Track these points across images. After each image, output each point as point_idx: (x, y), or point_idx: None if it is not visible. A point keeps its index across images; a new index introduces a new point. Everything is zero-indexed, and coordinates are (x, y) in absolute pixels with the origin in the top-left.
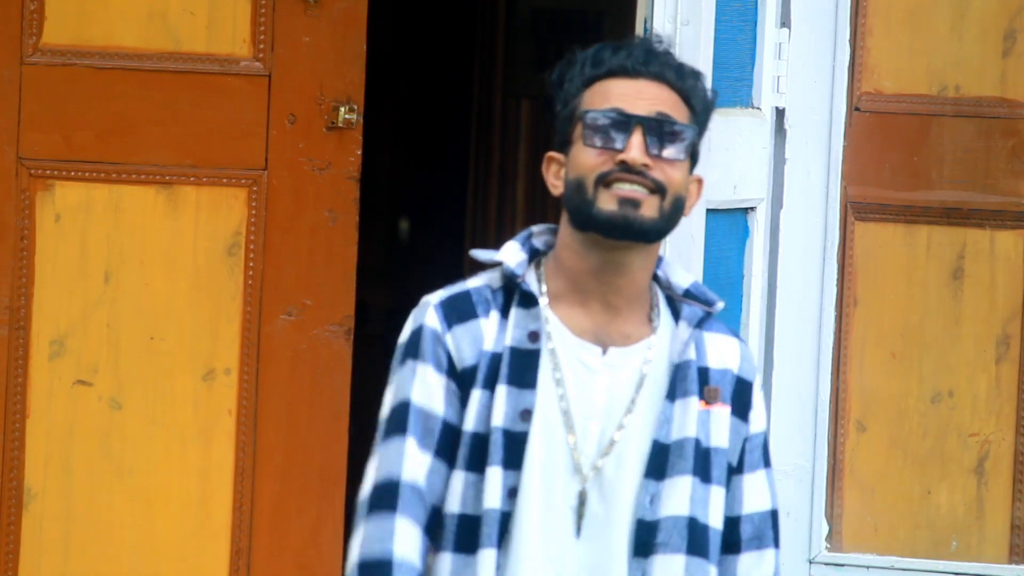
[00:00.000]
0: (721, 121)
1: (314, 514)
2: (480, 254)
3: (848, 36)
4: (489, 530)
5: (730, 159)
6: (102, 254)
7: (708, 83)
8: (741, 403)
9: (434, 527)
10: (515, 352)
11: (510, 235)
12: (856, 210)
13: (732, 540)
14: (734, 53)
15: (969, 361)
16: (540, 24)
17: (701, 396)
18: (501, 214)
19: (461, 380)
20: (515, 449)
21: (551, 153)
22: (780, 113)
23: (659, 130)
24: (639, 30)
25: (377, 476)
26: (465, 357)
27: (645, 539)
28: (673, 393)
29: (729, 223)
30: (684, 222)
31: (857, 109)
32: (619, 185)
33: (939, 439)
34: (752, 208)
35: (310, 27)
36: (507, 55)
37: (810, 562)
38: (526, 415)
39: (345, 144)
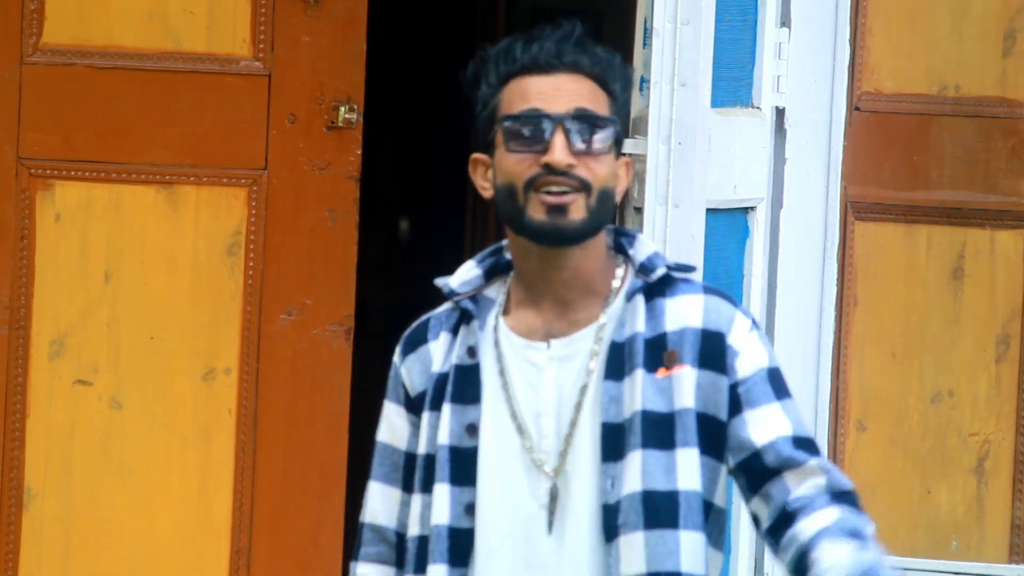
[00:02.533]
0: (721, 121)
1: (314, 514)
2: (439, 281)
3: (848, 36)
4: (437, 546)
5: (730, 159)
6: (102, 254)
7: (621, 58)
8: (712, 355)
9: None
10: (458, 369)
11: None
12: (856, 210)
13: (761, 471)
14: (734, 53)
15: (969, 361)
16: (540, 23)
17: (660, 364)
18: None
19: (414, 409)
20: (464, 465)
21: (476, 155)
22: (780, 113)
23: (579, 127)
24: (639, 30)
25: (363, 514)
26: (416, 385)
27: (609, 523)
28: (619, 371)
29: (729, 223)
30: (684, 222)
31: (857, 109)
32: (548, 188)
33: (939, 439)
34: (752, 208)
35: (310, 27)
36: None
37: None
38: (472, 430)
39: (345, 144)
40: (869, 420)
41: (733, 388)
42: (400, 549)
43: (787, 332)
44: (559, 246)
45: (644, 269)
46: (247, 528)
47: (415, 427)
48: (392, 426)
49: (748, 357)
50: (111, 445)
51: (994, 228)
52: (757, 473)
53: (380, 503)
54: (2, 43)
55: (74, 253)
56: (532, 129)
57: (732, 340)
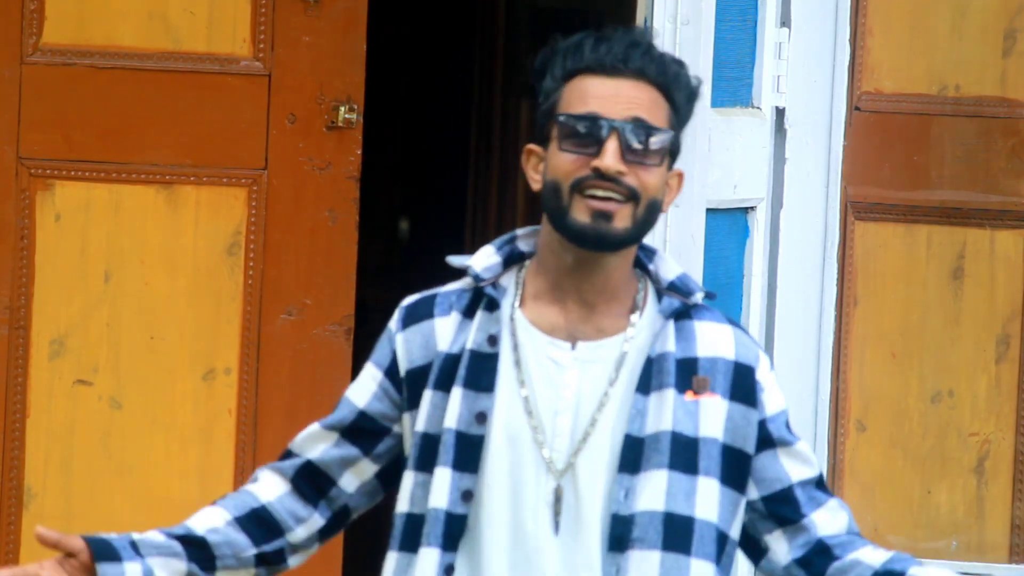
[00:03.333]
0: (721, 121)
1: None
2: (454, 259)
3: (848, 36)
4: (432, 529)
5: (730, 159)
6: (102, 254)
7: (690, 72)
8: (743, 388)
9: (316, 493)
10: (474, 355)
11: None
12: (856, 210)
13: (793, 506)
14: (734, 53)
15: (969, 361)
16: (540, 24)
17: (688, 387)
18: (501, 214)
19: (405, 380)
20: (469, 452)
21: (531, 146)
22: (780, 113)
23: (635, 135)
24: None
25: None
26: (414, 358)
27: (620, 534)
28: (647, 386)
29: (729, 223)
30: (684, 222)
31: (857, 109)
32: (593, 192)
33: (939, 439)
34: (752, 208)
35: (310, 27)
36: (507, 55)
37: None
38: (481, 418)
39: (345, 144)
40: (869, 420)
41: (762, 424)
42: (300, 476)
43: (787, 332)
44: (599, 251)
45: (677, 290)
46: None
47: (385, 393)
48: (361, 384)
49: (773, 395)
50: (111, 445)
51: (994, 228)
52: (787, 507)
53: (312, 439)
54: (2, 43)
55: (74, 253)
56: (587, 131)
57: (760, 376)
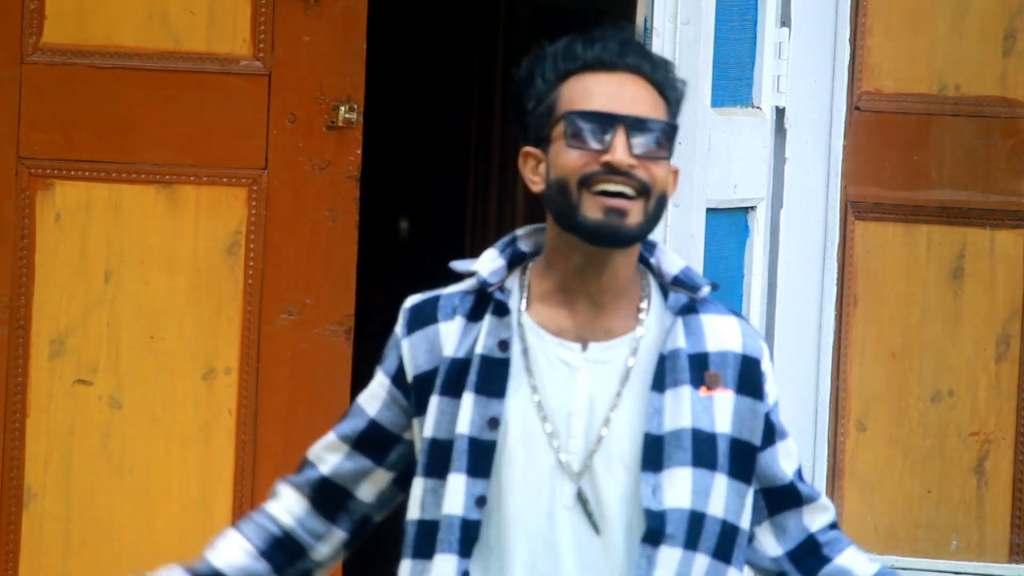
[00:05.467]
0: (721, 121)
1: None
2: (458, 265)
3: (848, 35)
4: (448, 536)
5: (730, 159)
6: (102, 253)
7: (677, 73)
8: (751, 381)
9: (335, 508)
10: (485, 360)
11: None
12: (856, 210)
13: (783, 501)
14: (734, 52)
15: (969, 361)
16: (540, 23)
17: (702, 383)
18: (501, 214)
19: (413, 387)
20: (482, 458)
21: (528, 148)
22: (780, 112)
23: (642, 129)
24: (639, 30)
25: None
26: (420, 363)
27: (655, 528)
28: (662, 383)
29: (729, 223)
30: (684, 222)
31: (857, 108)
32: (604, 187)
33: (939, 439)
34: (752, 207)
35: (310, 26)
36: (507, 54)
37: None
38: (494, 423)
39: (345, 143)
40: (869, 420)
41: (768, 416)
42: (317, 492)
43: (787, 332)
44: (612, 247)
45: (683, 284)
46: None
47: (393, 401)
48: (371, 392)
49: (772, 386)
50: (111, 445)
51: (994, 228)
52: (780, 502)
53: (327, 450)
54: (2, 43)
55: (74, 253)
56: (595, 127)
57: (764, 367)
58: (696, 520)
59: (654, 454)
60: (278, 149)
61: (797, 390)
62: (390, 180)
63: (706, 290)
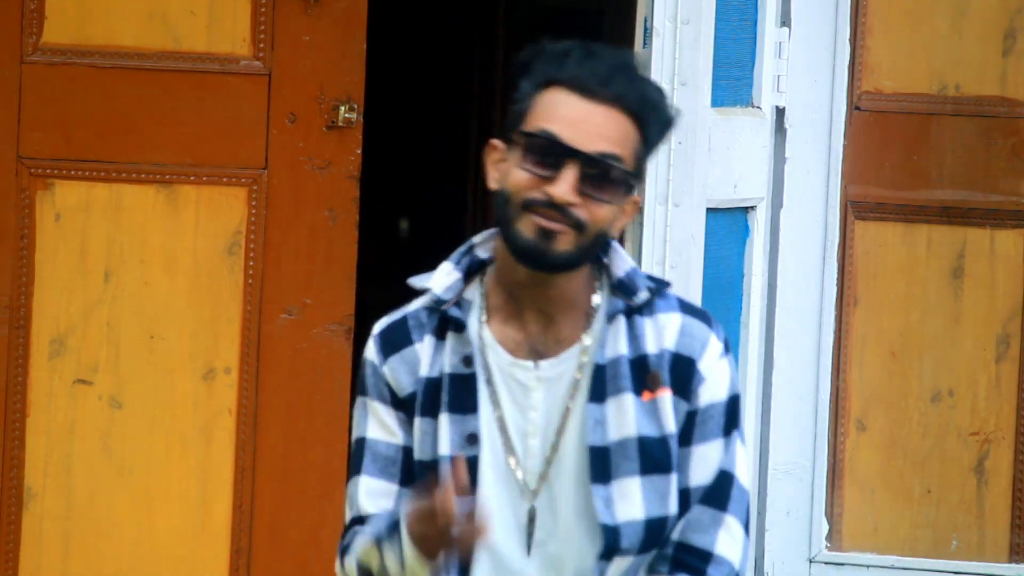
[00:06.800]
0: (721, 121)
1: (314, 514)
2: (415, 281)
3: (848, 35)
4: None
5: (730, 158)
6: (102, 253)
7: (670, 100)
8: (681, 380)
9: None
10: (453, 378)
11: None
12: (856, 209)
13: (683, 507)
14: (734, 52)
15: (969, 361)
16: (541, 22)
17: (644, 387)
18: None
19: (404, 408)
20: (468, 475)
21: (495, 141)
22: (780, 112)
23: (595, 170)
24: (639, 29)
25: (346, 516)
26: (404, 386)
27: (612, 544)
28: (602, 394)
29: (729, 222)
30: (684, 222)
31: (857, 108)
32: (538, 219)
33: (939, 439)
34: (752, 207)
35: (310, 26)
36: (507, 54)
37: (810, 561)
38: (472, 439)
39: (345, 143)
40: (869, 419)
41: (690, 415)
42: None
43: (787, 332)
44: (538, 270)
45: (624, 289)
46: (247, 528)
47: (406, 423)
48: (383, 424)
49: (711, 386)
50: (111, 445)
51: (994, 228)
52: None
53: (370, 498)
54: (2, 43)
55: (74, 253)
56: (548, 154)
57: (702, 366)
58: (653, 526)
59: (601, 465)
60: (278, 149)
61: (797, 390)
62: (390, 180)
63: (643, 295)
